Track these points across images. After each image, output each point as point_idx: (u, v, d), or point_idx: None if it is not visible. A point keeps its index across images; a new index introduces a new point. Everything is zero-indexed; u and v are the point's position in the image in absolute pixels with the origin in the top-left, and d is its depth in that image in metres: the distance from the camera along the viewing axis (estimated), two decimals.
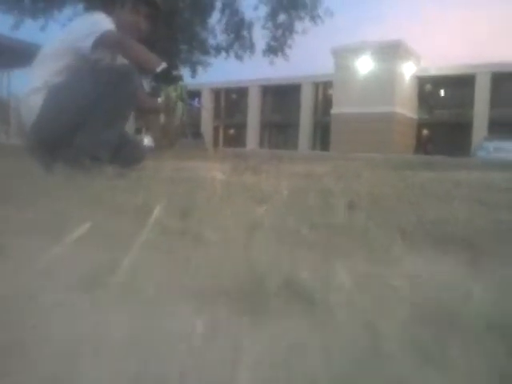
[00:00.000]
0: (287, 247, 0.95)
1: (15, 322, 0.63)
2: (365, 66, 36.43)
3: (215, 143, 37.39)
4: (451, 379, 0.52)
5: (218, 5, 13.56)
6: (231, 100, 47.45)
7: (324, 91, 42.22)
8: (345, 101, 36.52)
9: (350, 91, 36.24)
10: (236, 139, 44.99)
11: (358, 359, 0.54)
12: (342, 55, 37.03)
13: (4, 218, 1.22)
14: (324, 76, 40.08)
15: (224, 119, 46.48)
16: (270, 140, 44.40)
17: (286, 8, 13.44)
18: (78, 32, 2.37)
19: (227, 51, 14.02)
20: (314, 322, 0.64)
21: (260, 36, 13.91)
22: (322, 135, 40.65)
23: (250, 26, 13.83)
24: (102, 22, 2.36)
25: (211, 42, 14.14)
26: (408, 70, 37.42)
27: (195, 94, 41.93)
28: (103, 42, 2.28)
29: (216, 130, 45.70)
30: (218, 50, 14.06)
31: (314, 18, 13.29)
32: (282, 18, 13.69)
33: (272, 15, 13.60)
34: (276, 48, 13.69)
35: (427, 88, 40.22)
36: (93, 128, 2.30)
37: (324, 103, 41.59)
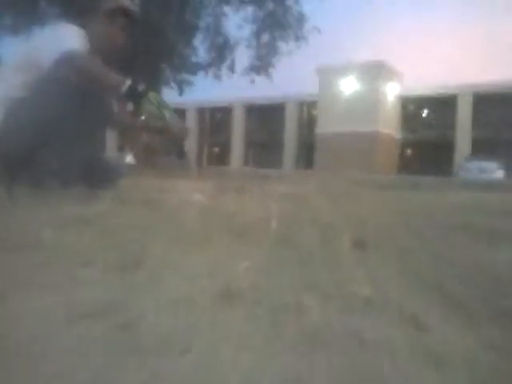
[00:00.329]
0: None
1: None
2: (349, 85, 36.79)
3: (199, 162, 37.27)
4: None
5: (202, 24, 13.53)
6: (216, 119, 47.53)
7: (308, 110, 42.50)
8: (329, 120, 36.79)
9: (335, 111, 36.54)
10: (220, 158, 44.95)
11: None
12: (327, 75, 37.40)
13: None
14: (308, 95, 40.38)
15: (208, 138, 46.50)
16: (255, 158, 44.42)
17: (270, 27, 13.44)
18: (41, 46, 2.21)
19: (206, 70, 13.96)
20: None
21: (244, 55, 13.88)
22: (307, 154, 40.80)
23: (233, 46, 13.79)
24: (68, 38, 2.20)
25: (193, 60, 14.08)
26: (391, 90, 37.88)
27: (180, 113, 41.97)
28: (64, 61, 2.12)
29: (200, 148, 45.64)
30: (198, 68, 13.99)
31: (298, 39, 13.31)
32: (266, 37, 13.69)
33: (256, 34, 13.60)
34: (259, 67, 13.66)
35: (410, 108, 40.72)
36: (57, 146, 2.14)
37: (308, 122, 41.84)
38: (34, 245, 1.16)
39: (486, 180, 15.35)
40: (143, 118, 2.65)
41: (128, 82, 2.28)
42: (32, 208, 1.62)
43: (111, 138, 46.44)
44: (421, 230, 1.83)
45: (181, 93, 13.61)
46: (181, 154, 27.94)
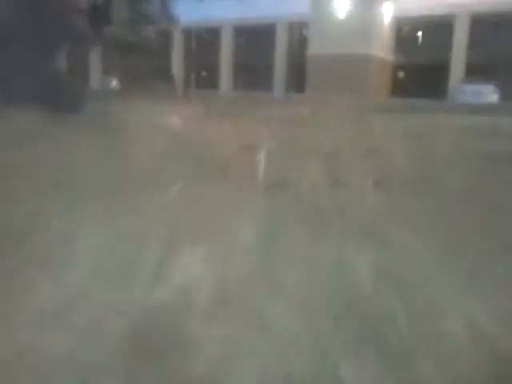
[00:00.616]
0: None
1: None
2: (342, 5, 35.21)
3: (187, 85, 36.18)
4: None
5: None
6: (203, 41, 45.80)
7: (300, 32, 40.97)
8: (321, 42, 35.51)
9: (327, 32, 35.19)
10: (209, 81, 43.72)
11: None
12: None
13: None
14: (300, 16, 38.67)
15: (196, 60, 45.03)
16: (244, 82, 43.23)
17: None
18: None
19: None
20: None
21: None
22: (298, 77, 39.73)
23: None
24: None
25: None
26: (386, 11, 36.39)
27: (165, 35, 40.22)
28: None
29: (187, 71, 44.32)
30: None
31: None
32: None
33: None
34: None
35: (405, 29, 39.37)
36: (5, 57, 1.75)
37: (300, 44, 40.45)
38: None
39: (483, 103, 14.94)
40: (113, 28, 2.23)
41: None
42: None
43: (95, 62, 44.76)
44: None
45: (166, 8, 12.76)
46: (167, 77, 27.01)
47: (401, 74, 39.61)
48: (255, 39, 42.68)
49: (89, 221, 0.83)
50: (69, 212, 1.02)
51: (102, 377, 0.69)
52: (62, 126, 1.60)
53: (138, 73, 11.23)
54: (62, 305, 0.84)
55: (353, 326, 0.77)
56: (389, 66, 37.90)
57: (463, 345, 0.77)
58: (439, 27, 36.44)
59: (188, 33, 44.57)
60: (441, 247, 0.97)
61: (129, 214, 0.81)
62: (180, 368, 0.74)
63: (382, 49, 35.98)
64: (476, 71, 31.94)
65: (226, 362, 0.73)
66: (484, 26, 34.48)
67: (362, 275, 0.84)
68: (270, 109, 4.25)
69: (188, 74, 44.08)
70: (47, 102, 1.75)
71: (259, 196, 0.98)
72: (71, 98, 2.19)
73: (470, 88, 25.43)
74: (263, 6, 32.75)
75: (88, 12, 2.33)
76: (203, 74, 46.51)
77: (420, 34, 39.11)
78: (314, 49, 36.07)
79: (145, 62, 11.18)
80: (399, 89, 37.29)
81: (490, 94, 25.54)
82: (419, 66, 37.42)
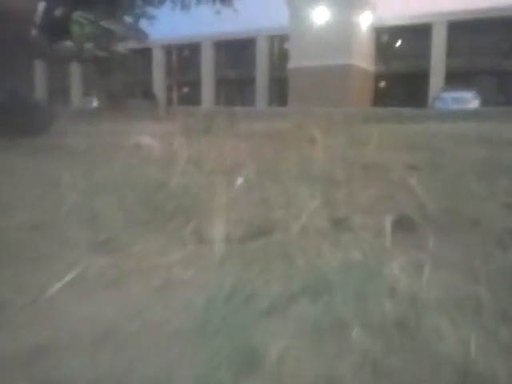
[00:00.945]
0: None
1: None
2: (321, 16, 35.43)
3: (168, 102, 36.04)
4: None
5: None
6: (184, 57, 45.83)
7: (280, 44, 41.16)
8: (301, 54, 35.66)
9: (307, 44, 35.36)
10: (190, 97, 43.60)
11: None
12: (297, 6, 35.87)
13: None
14: (279, 29, 38.87)
15: (177, 77, 44.98)
16: (226, 97, 43.21)
17: None
18: None
19: (172, 0, 12.90)
20: None
21: None
22: (280, 90, 39.83)
23: None
24: None
25: None
26: (364, 21, 36.70)
27: (146, 52, 40.16)
28: None
29: (169, 88, 44.22)
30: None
31: None
32: None
33: None
34: None
35: (384, 38, 39.77)
36: None
37: (280, 57, 40.62)
38: None
39: (466, 110, 14.95)
40: (73, 43, 2.17)
41: (41, 6, 1.76)
42: None
43: (75, 82, 44.33)
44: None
45: (136, 25, 12.57)
46: (148, 95, 26.95)
47: (382, 84, 39.88)
48: (236, 54, 42.76)
49: None
50: None
51: None
52: (10, 150, 1.43)
53: (118, 91, 11.01)
54: None
55: None
56: (370, 75, 38.13)
57: None
58: (418, 36, 36.84)
59: (168, 49, 44.54)
60: None
61: None
62: None
63: (363, 59, 36.20)
64: (456, 78, 32.24)
65: None
66: (462, 33, 34.94)
67: None
68: (250, 124, 4.06)
69: (169, 90, 44.00)
70: (10, 126, 1.59)
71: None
72: (29, 120, 2.00)
73: (450, 95, 25.56)
74: (242, 20, 32.84)
75: (44, 25, 2.19)
76: (185, 90, 46.42)
77: (399, 43, 39.49)
78: (295, 61, 36.19)
79: (123, 80, 10.97)
80: (380, 98, 37.51)
81: (470, 100, 25.68)
82: (399, 75, 37.72)
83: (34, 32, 2.06)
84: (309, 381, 0.71)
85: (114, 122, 4.44)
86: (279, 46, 41.00)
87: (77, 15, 2.06)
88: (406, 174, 2.40)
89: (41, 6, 1.89)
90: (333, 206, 1.66)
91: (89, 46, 2.52)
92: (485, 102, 25.88)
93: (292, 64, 36.38)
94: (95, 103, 22.66)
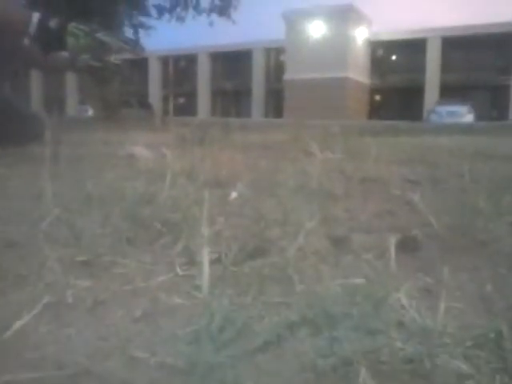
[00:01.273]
0: None
1: None
2: (317, 30, 35.69)
3: (164, 113, 36.07)
4: None
5: None
6: (180, 68, 45.97)
7: (276, 57, 41.39)
8: (297, 66, 35.86)
9: (303, 56, 35.61)
10: (186, 108, 43.67)
11: None
12: (293, 19, 36.10)
13: None
14: (275, 41, 39.13)
15: (173, 88, 45.08)
16: (222, 108, 43.29)
17: None
18: None
19: (170, 12, 12.98)
20: None
21: None
22: (275, 102, 39.99)
23: None
24: None
25: (153, 2, 13.09)
26: (360, 35, 37.00)
27: (142, 63, 40.20)
28: None
29: (165, 99, 44.31)
30: (161, 11, 13.01)
31: None
32: None
33: None
34: (220, 7, 12.77)
35: (379, 53, 40.12)
36: None
37: (276, 69, 40.84)
38: None
39: (460, 124, 14.97)
40: (68, 54, 2.41)
41: (35, 17, 1.91)
42: None
43: (72, 91, 44.44)
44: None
45: (136, 37, 12.62)
46: (145, 105, 27.13)
47: (377, 97, 40.09)
48: (232, 65, 42.94)
49: None
50: None
51: None
52: None
53: (113, 101, 10.98)
54: None
55: None
56: (365, 89, 38.34)
57: None
58: (413, 51, 37.17)
59: (165, 60, 44.64)
60: None
61: None
62: None
63: (359, 72, 36.42)
64: (450, 92, 32.44)
65: None
66: (456, 49, 35.25)
67: None
68: (246, 135, 4.01)
69: (165, 101, 44.04)
70: (12, 135, 1.58)
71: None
72: (21, 129, 1.96)
73: (445, 109, 25.69)
74: (239, 32, 33.00)
75: (39, 36, 2.16)
76: (181, 100, 46.51)
77: (394, 57, 39.78)
78: (291, 73, 36.36)
79: (119, 90, 10.96)
80: (376, 111, 37.69)
81: (465, 114, 25.81)
82: (394, 89, 37.96)
83: (28, 42, 2.04)
84: None
85: (109, 132, 4.40)
86: (275, 59, 41.24)
87: (72, 26, 2.05)
88: (405, 189, 2.34)
89: (35, 17, 1.88)
90: (331, 224, 1.58)
91: (84, 56, 2.48)
92: (479, 117, 25.99)
93: (288, 76, 36.57)
94: (90, 112, 22.75)
